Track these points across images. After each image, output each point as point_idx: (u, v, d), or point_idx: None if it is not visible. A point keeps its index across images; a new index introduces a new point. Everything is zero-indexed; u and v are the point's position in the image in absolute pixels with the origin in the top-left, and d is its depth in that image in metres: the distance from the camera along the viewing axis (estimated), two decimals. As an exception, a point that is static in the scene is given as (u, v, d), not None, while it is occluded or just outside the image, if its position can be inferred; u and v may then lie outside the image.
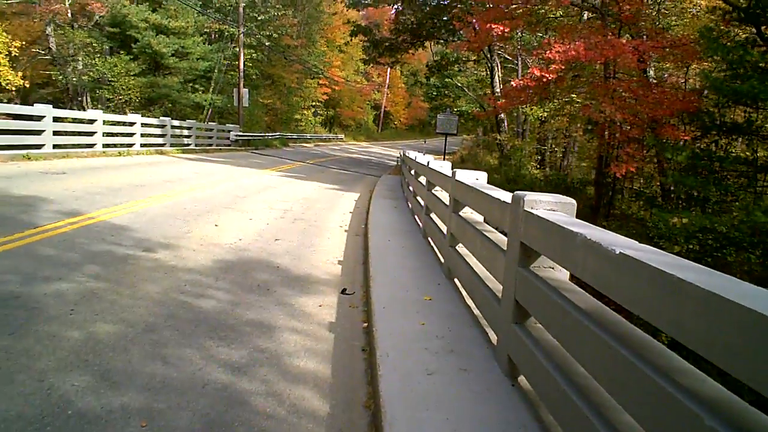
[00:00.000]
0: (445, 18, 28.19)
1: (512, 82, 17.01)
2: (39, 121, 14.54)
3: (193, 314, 4.39)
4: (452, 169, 6.09)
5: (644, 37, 14.36)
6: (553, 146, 28.27)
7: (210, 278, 5.38)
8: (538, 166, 25.44)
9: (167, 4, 30.55)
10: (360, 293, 5.37)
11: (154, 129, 21.44)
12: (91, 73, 27.02)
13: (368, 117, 70.06)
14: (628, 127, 14.07)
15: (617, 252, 2.02)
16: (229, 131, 29.20)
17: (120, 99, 27.97)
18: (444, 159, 15.44)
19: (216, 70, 32.66)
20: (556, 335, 2.65)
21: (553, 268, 3.07)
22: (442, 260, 5.94)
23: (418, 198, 9.03)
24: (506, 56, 28.76)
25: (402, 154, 16.81)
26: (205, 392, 3.20)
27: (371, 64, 39.75)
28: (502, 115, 25.95)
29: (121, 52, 28.79)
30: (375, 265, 5.80)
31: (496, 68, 25.93)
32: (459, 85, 39.90)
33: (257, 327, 4.28)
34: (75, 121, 17.46)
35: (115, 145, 18.33)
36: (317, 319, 4.57)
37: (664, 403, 1.70)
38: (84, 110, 20.52)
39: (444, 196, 6.66)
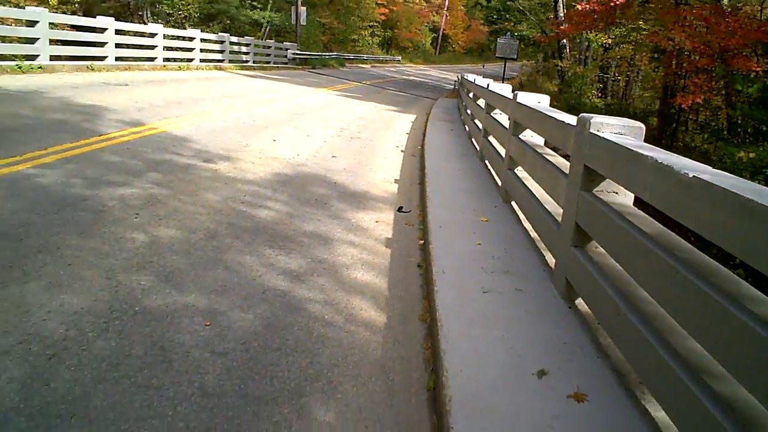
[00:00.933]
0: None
1: (577, 6, 16.18)
2: (102, 33, 14.67)
3: (252, 223, 4.45)
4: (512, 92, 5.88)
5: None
6: (616, 75, 27.03)
7: (268, 190, 5.42)
8: (600, 95, 24.41)
9: None
10: (416, 212, 5.34)
11: (213, 45, 21.44)
12: (151, -14, 27.01)
13: (426, 39, 68.08)
14: (697, 57, 13.30)
15: (690, 175, 1.89)
16: (287, 49, 28.96)
17: (180, 14, 27.95)
18: (503, 83, 14.98)
19: (275, -13, 32.18)
20: (619, 259, 2.56)
21: (617, 193, 2.95)
22: (500, 183, 5.82)
23: (476, 121, 8.82)
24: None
25: (460, 77, 16.38)
26: (265, 297, 3.26)
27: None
28: (564, 41, 24.89)
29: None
30: (431, 185, 5.73)
31: (560, -9, 24.69)
32: (521, 8, 38.20)
33: (315, 238, 4.31)
34: (136, 34, 17.57)
35: (175, 60, 18.45)
36: (374, 235, 4.57)
37: (732, 329, 1.62)
38: (145, 24, 20.57)
39: (503, 119, 6.47)
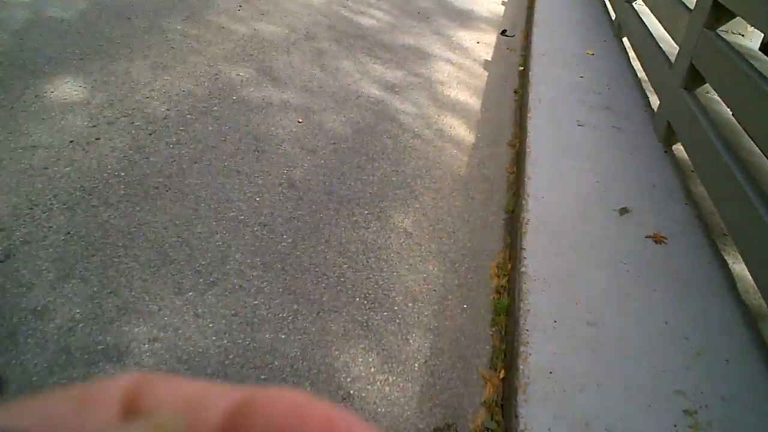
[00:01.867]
0: None
1: None
2: None
3: (353, 29, 4.36)
4: None
5: None
6: None
7: (371, -3, 5.24)
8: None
9: None
10: (520, 38, 5.05)
11: None
12: None
13: None
14: None
15: None
16: None
17: None
18: None
19: None
20: (733, 106, 2.37)
21: (743, 35, 2.66)
22: (614, 17, 5.36)
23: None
24: None
25: None
26: (359, 103, 3.28)
27: None
28: None
29: None
30: (540, 11, 5.34)
31: None
32: None
33: (413, 51, 4.20)
34: None
35: None
36: (473, 55, 4.40)
37: None
38: None
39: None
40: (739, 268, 2.11)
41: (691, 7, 3.06)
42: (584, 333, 1.78)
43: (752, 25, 2.47)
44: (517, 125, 3.40)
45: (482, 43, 4.70)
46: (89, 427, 0.16)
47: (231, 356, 1.72)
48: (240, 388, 0.17)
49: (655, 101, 3.51)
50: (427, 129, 3.17)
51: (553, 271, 2.02)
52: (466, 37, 4.77)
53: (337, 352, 1.79)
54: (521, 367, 1.65)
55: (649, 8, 4.22)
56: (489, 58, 4.41)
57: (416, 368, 1.80)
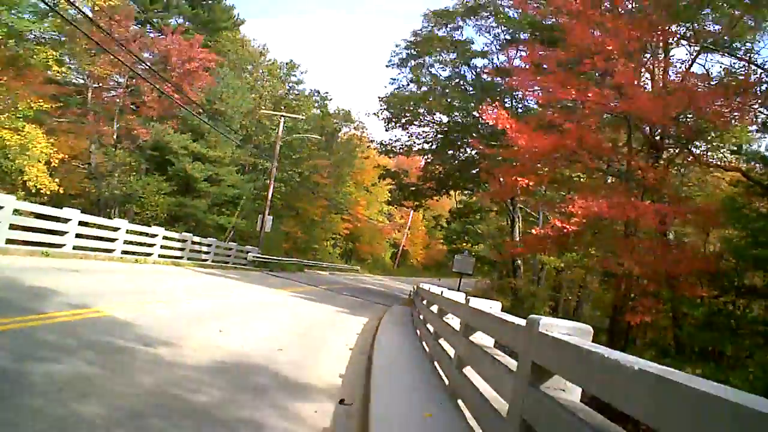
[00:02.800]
0: (473, 171, 29.12)
1: (533, 231, 17.36)
2: (65, 223, 14.90)
3: (184, 406, 4.22)
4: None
5: (666, 203, 14.72)
6: (568, 295, 28.11)
7: (206, 376, 5.23)
8: (551, 312, 25.13)
9: (209, 136, 32.09)
10: (357, 405, 5.16)
11: (175, 242, 21.81)
12: (124, 188, 28.08)
13: (386, 253, 70.78)
14: (645, 281, 14.09)
15: (636, 368, 1.97)
16: (248, 252, 29.56)
17: (147, 214, 28.76)
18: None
19: (244, 198, 33.78)
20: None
21: (564, 390, 2.98)
22: (447, 382, 5.76)
23: (428, 325, 8.94)
24: (528, 210, 29.36)
25: (416, 286, 16.79)
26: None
27: (396, 206, 40.71)
28: (519, 262, 26.20)
29: (156, 173, 30.03)
30: (377, 381, 5.63)
31: (517, 219, 26.86)
32: (479, 231, 40.65)
33: (247, 424, 4.09)
34: (100, 227, 17.77)
35: (133, 253, 18.58)
36: (311, 422, 4.37)
37: None
38: (110, 219, 21.01)
39: (455, 322, 6.61)
40: None
41: (514, 369, 3.43)
42: None
43: (568, 380, 2.78)
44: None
45: (320, 412, 4.71)
46: None
47: None
48: None
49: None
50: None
51: None
52: (306, 407, 4.79)
53: None
54: None
55: (476, 372, 4.65)
56: (327, 425, 4.38)
57: None
